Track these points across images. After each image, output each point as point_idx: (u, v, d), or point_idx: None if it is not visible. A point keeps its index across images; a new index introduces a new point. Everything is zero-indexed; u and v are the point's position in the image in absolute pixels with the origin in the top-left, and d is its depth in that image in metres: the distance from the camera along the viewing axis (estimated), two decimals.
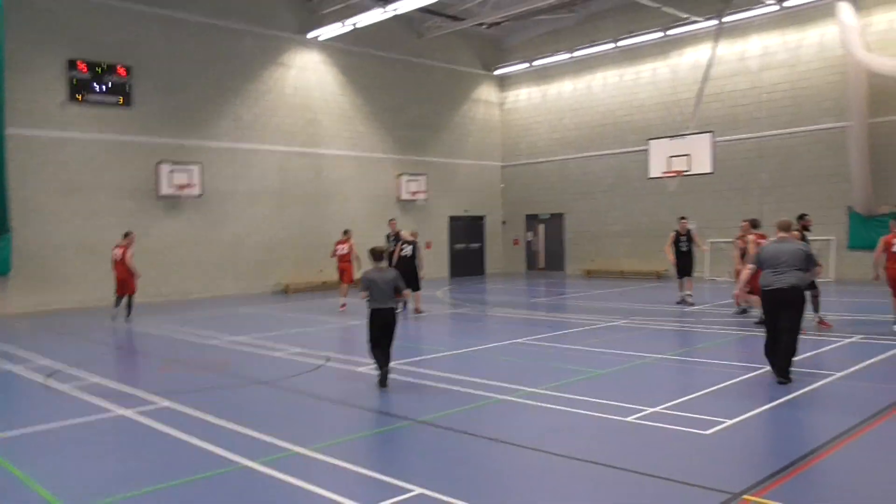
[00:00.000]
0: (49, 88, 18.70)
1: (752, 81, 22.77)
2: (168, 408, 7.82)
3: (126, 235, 16.05)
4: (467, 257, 28.92)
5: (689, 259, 16.53)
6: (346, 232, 17.54)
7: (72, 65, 18.94)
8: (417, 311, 15.98)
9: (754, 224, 14.18)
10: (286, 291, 22.58)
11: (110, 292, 16.15)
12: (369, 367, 9.65)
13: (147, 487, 5.40)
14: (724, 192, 23.17)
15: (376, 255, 8.83)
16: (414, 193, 26.36)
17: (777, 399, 7.62)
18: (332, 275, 23.36)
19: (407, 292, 8.73)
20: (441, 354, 10.91)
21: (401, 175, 26.22)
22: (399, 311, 16.13)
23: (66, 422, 7.38)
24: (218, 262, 21.68)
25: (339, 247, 17.11)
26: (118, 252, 15.75)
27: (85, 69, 19.12)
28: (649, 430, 6.61)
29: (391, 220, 18.16)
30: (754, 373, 8.87)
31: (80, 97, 19.06)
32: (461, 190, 28.65)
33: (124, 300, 15.76)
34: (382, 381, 8.52)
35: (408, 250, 16.03)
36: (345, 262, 17.00)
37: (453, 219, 28.30)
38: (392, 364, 8.80)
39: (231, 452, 6.11)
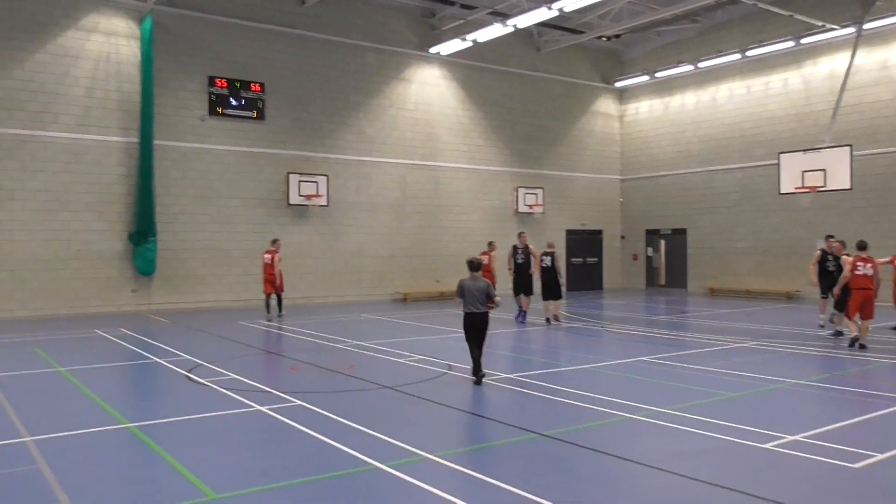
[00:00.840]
0: (191, 103, 20.03)
1: (894, 92, 21.30)
2: (301, 406, 8.15)
3: (274, 242, 17.96)
4: (585, 272, 28.53)
5: (835, 280, 15.53)
6: (490, 244, 18.50)
7: (212, 81, 20.20)
8: (557, 318, 16.79)
9: (861, 247, 12.99)
10: (405, 300, 23.05)
11: (242, 293, 17.14)
12: (491, 378, 9.70)
13: (284, 482, 5.66)
14: (864, 210, 21.76)
15: (472, 265, 9.84)
16: (531, 206, 26.31)
17: None
18: (450, 285, 23.75)
19: (499, 300, 9.84)
20: (563, 369, 10.81)
21: (518, 188, 26.25)
22: (520, 319, 16.42)
23: (208, 413, 7.85)
24: (341, 270, 22.44)
25: (483, 256, 16.95)
26: (268, 256, 17.51)
27: (224, 85, 20.36)
28: (789, 458, 6.28)
29: (521, 233, 18.16)
30: None
31: (219, 110, 20.30)
32: (579, 203, 28.34)
33: (274, 300, 17.51)
34: (476, 373, 9.53)
35: (547, 261, 16.67)
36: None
37: (570, 232, 28.02)
38: (514, 376, 8.80)
39: (361, 453, 6.29)
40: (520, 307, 16.98)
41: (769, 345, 13.22)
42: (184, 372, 10.36)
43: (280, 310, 17.80)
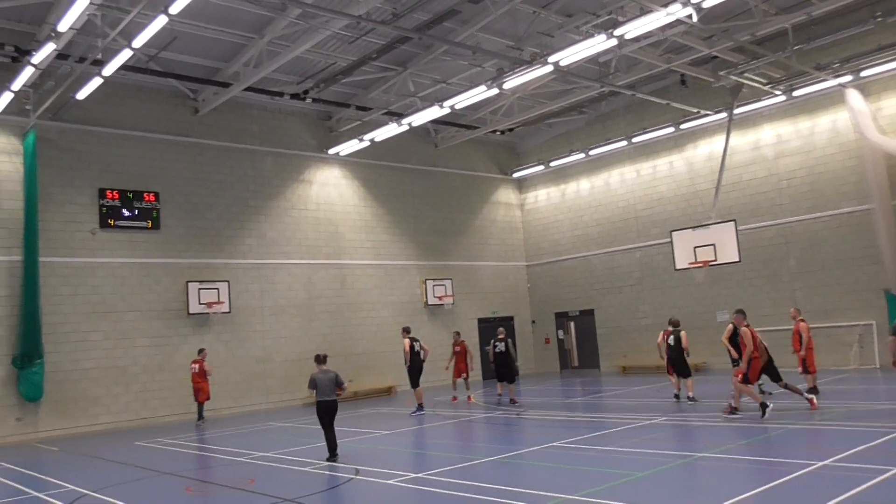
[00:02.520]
0: (81, 216, 19.32)
1: (769, 169, 22.87)
2: None
3: (200, 352, 18.99)
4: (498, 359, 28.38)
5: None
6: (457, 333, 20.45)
7: (102, 193, 19.63)
8: (513, 401, 17.85)
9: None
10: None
11: (142, 412, 16.11)
12: (400, 479, 9.34)
13: None
14: (753, 280, 22.85)
15: (318, 359, 11.68)
16: (440, 298, 26.34)
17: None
18: (363, 384, 23.21)
19: (347, 386, 11.77)
20: (473, 462, 10.51)
21: (426, 280, 26.31)
22: (415, 413, 17.13)
23: None
24: (247, 377, 21.56)
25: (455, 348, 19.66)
26: (195, 366, 18.62)
27: (116, 196, 19.80)
28: None
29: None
30: (805, 469, 8.39)
31: (111, 222, 19.64)
32: (488, 291, 28.60)
33: (201, 407, 18.70)
34: (331, 452, 11.33)
35: (500, 347, 18.28)
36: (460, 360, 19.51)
37: (482, 321, 28.10)
38: (424, 475, 8.47)
39: None
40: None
41: (678, 419, 13.35)
42: None
43: (200, 416, 18.75)
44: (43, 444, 17.10)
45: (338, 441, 11.73)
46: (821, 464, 8.46)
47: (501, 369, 18.26)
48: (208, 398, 18.90)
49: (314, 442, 13.82)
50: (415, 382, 17.62)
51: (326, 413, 11.25)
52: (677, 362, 16.04)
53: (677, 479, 8.48)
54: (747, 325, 13.37)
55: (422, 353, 17.90)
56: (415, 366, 17.68)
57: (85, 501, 9.66)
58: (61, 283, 18.83)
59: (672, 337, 16.18)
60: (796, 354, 15.25)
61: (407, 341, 17.83)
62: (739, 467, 9.16)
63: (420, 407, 17.34)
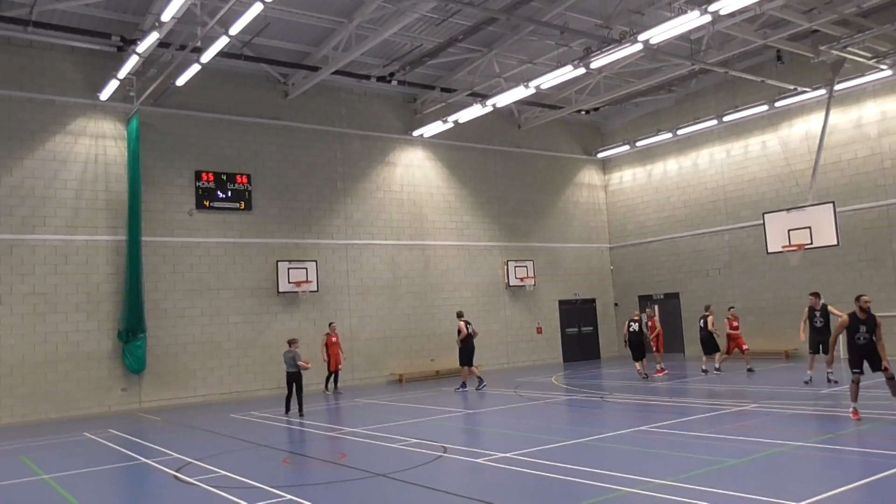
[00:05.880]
0: (179, 198, 20.24)
1: (871, 148, 21.71)
2: (291, 500, 7.88)
3: (331, 324, 20.78)
4: (580, 341, 28.31)
5: (826, 335, 15.47)
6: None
7: (198, 176, 20.47)
8: (645, 376, 19.33)
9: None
10: (400, 381, 22.73)
11: (235, 386, 16.94)
12: (487, 459, 9.47)
13: None
14: (854, 264, 21.83)
15: (289, 342, 15.85)
16: (522, 279, 26.32)
17: None
18: (444, 363, 23.53)
19: (304, 365, 15.44)
20: (562, 444, 10.55)
21: (508, 262, 26.32)
22: (458, 388, 18.85)
23: None
24: None
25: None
26: (332, 339, 20.32)
27: (211, 178, 20.63)
28: None
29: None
30: None
31: (207, 203, 20.48)
32: (569, 274, 28.38)
33: (332, 376, 20.36)
34: (286, 409, 15.71)
35: (634, 326, 19.61)
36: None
37: (563, 303, 27.94)
38: (511, 454, 8.58)
39: None
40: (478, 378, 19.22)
41: (769, 406, 12.99)
42: (172, 472, 10.07)
43: (336, 385, 20.54)
44: (146, 413, 18.13)
45: (429, 419, 11.93)
46: None
47: (636, 348, 19.55)
48: (336, 369, 20.42)
49: (401, 419, 14.16)
50: (469, 361, 18.95)
51: (291, 380, 15.49)
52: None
53: (772, 469, 8.28)
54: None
55: (475, 334, 19.31)
56: (468, 346, 18.93)
57: (190, 469, 10.22)
58: (161, 261, 19.81)
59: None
60: None
61: (462, 323, 19.01)
62: (835, 458, 8.86)
63: (464, 384, 19.09)
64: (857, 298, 11.31)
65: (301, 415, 15.29)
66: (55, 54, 18.85)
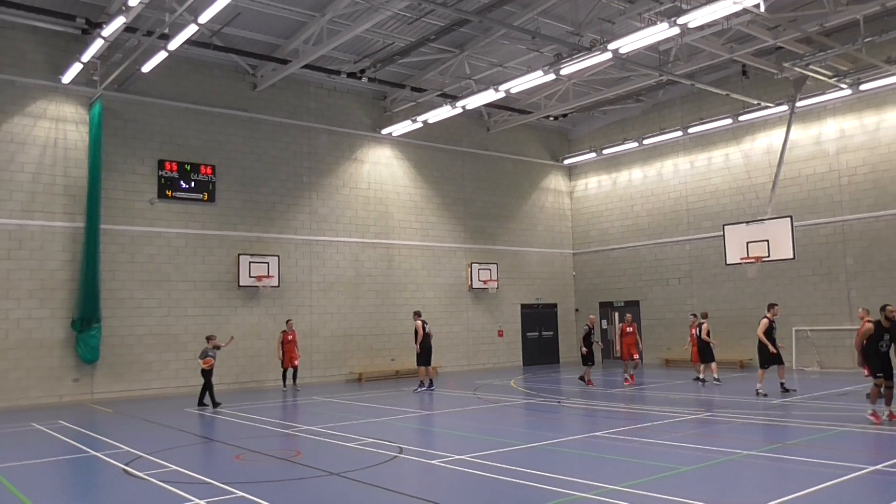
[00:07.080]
0: (141, 186, 19.86)
1: (829, 164, 22.24)
2: (243, 497, 7.79)
3: (288, 322, 20.71)
4: (541, 345, 28.50)
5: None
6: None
7: (161, 165, 20.13)
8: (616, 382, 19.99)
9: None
10: (360, 380, 22.62)
11: (190, 380, 16.73)
12: (442, 460, 9.47)
13: None
14: (808, 278, 22.33)
15: (207, 338, 16.90)
16: (485, 282, 26.38)
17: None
18: (404, 363, 23.49)
19: (205, 362, 16.35)
20: (514, 448, 10.60)
21: (472, 264, 26.38)
22: (417, 389, 18.86)
23: None
24: None
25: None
26: (287, 336, 20.38)
27: (174, 168, 20.29)
28: None
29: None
30: (855, 473, 8.26)
31: (169, 193, 20.14)
32: (532, 278, 28.54)
33: (290, 372, 20.38)
34: (199, 401, 16.67)
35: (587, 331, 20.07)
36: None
37: (525, 307, 28.09)
38: (466, 457, 8.58)
39: None
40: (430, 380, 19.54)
41: (722, 415, 13.21)
42: (121, 465, 9.87)
43: (295, 380, 20.56)
44: (97, 405, 17.76)
45: (386, 419, 11.86)
46: (872, 468, 8.29)
47: (590, 354, 19.86)
48: (294, 364, 20.47)
49: (358, 418, 14.09)
50: (427, 361, 19.19)
51: (203, 375, 16.57)
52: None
53: (723, 476, 8.42)
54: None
55: (431, 335, 19.53)
56: (426, 346, 19.16)
57: (140, 463, 10.04)
58: (119, 250, 19.42)
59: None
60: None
61: (419, 323, 19.22)
62: (784, 467, 9.05)
63: (422, 384, 19.12)
64: (883, 308, 11.84)
65: (214, 406, 16.28)
66: (17, 34, 18.37)
